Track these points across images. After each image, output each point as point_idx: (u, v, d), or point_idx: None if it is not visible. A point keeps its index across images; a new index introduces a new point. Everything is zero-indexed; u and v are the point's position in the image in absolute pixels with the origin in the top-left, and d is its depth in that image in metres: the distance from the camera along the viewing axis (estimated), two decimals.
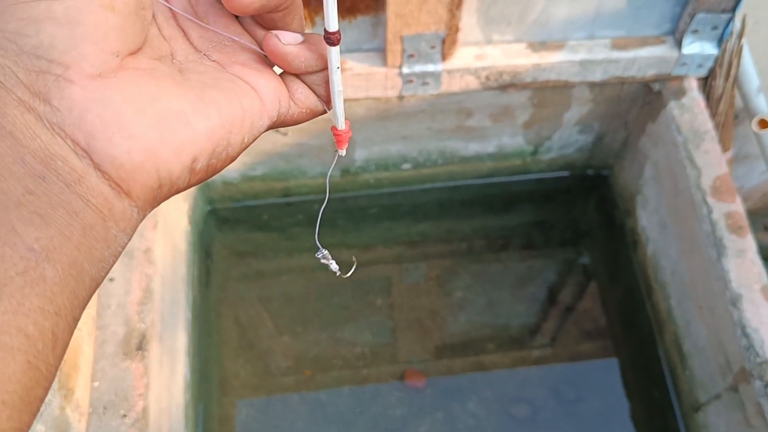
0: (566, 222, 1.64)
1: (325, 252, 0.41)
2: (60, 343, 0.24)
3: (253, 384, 1.49)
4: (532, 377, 1.54)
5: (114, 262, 0.28)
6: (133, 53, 0.28)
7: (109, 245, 0.26)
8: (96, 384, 1.06)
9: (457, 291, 1.59)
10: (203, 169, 0.29)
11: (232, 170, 1.45)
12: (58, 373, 0.96)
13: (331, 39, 0.31)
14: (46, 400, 0.92)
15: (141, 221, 0.29)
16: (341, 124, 0.36)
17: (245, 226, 1.59)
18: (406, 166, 1.49)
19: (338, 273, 0.42)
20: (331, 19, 0.30)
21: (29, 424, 0.23)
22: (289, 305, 1.58)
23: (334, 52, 0.32)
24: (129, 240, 0.28)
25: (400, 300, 1.58)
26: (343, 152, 0.37)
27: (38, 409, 0.24)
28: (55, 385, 0.95)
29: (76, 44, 0.25)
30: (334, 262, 0.42)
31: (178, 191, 0.30)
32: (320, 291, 1.59)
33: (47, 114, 0.25)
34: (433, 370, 1.52)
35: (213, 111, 0.29)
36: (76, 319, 0.25)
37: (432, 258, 1.62)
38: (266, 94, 0.32)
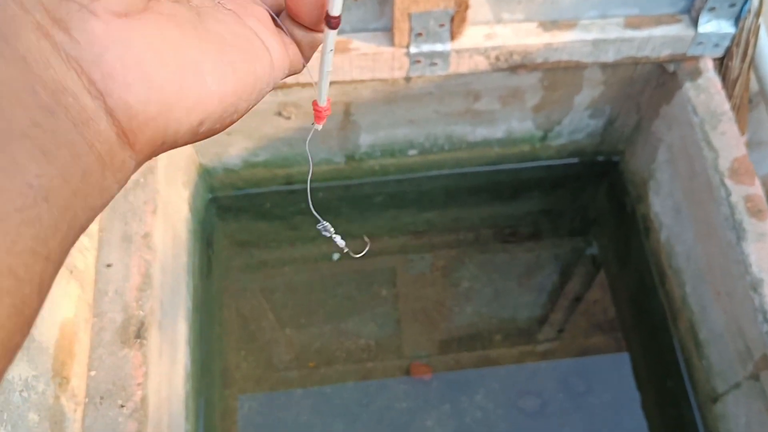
0: (575, 210, 1.61)
1: (326, 224, 0.39)
2: (45, 289, 0.23)
3: (255, 376, 1.46)
4: (540, 369, 1.50)
5: (100, 211, 0.26)
6: None
7: (102, 194, 0.25)
8: (93, 373, 1.02)
9: (463, 281, 1.55)
10: (205, 132, 0.28)
11: (234, 157, 1.41)
12: (50, 361, 0.92)
13: (332, 23, 0.31)
14: (39, 389, 0.89)
15: (135, 171, 0.28)
16: (323, 101, 0.36)
17: (247, 214, 1.55)
18: (412, 152, 1.45)
19: (345, 249, 0.40)
20: (337, 2, 0.30)
21: (3, 372, 0.22)
22: (293, 296, 1.54)
23: (331, 36, 0.31)
24: (119, 191, 0.27)
25: (406, 291, 1.54)
26: (319, 126, 0.37)
27: (14, 357, 0.22)
28: (48, 372, 0.91)
29: None
30: (339, 237, 0.40)
31: (169, 148, 0.29)
32: (324, 281, 1.55)
33: (65, 44, 0.23)
34: (440, 362, 1.48)
35: (230, 74, 0.28)
36: (61, 264, 0.24)
37: (438, 247, 1.58)
38: (278, 58, 0.31)
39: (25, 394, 0.85)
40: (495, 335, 1.51)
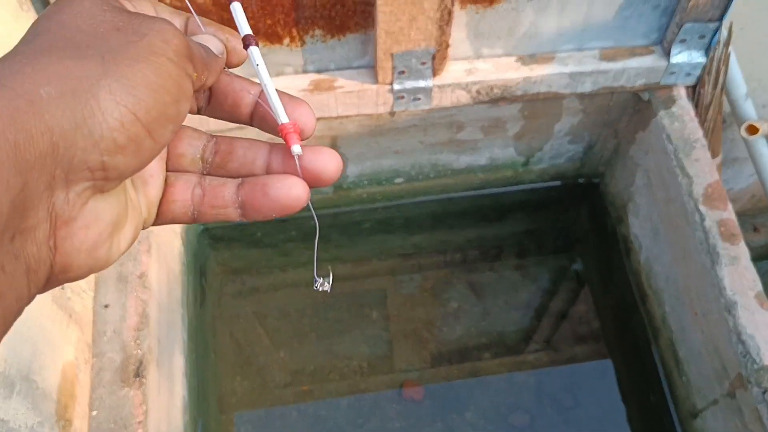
0: (558, 230, 1.65)
1: (321, 280, 0.40)
2: None
3: (250, 400, 1.49)
4: (529, 385, 1.54)
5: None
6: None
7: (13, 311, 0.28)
8: (94, 413, 1.05)
9: (452, 301, 1.59)
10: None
11: None
12: (54, 405, 0.95)
13: (247, 41, 0.36)
14: None
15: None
16: (283, 117, 0.35)
17: (239, 243, 1.59)
18: (398, 180, 1.49)
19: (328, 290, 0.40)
20: (242, 26, 0.36)
21: None
22: (285, 320, 1.58)
23: (254, 52, 0.36)
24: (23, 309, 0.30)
25: (396, 312, 1.58)
26: (299, 149, 0.34)
27: None
28: (53, 417, 0.94)
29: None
30: (329, 285, 0.40)
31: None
32: (315, 305, 1.59)
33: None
34: (431, 381, 1.52)
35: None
36: None
37: (426, 269, 1.62)
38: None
39: None
40: (484, 353, 1.55)
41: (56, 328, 0.99)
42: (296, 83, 1.22)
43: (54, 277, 0.29)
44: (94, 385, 1.07)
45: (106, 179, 0.28)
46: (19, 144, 0.24)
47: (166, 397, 1.17)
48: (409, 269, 1.62)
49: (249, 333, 1.55)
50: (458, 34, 1.19)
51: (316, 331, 1.57)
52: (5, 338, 0.32)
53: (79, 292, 1.08)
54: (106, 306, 1.12)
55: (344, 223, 1.58)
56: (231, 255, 1.59)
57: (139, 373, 1.08)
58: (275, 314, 1.58)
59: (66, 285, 1.04)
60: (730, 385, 1.16)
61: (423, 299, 1.61)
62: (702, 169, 1.23)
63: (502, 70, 1.24)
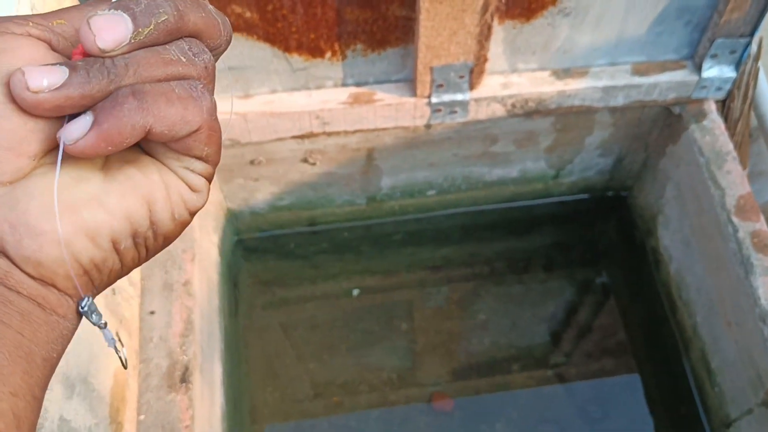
0: (586, 243, 1.67)
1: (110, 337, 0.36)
2: (24, 422, 0.25)
3: (282, 411, 1.50)
4: (558, 397, 1.55)
5: (66, 342, 0.28)
6: (54, 147, 0.27)
7: (54, 328, 0.27)
8: (142, 417, 1.07)
9: (480, 313, 1.61)
10: (131, 249, 0.29)
11: (261, 201, 1.47)
12: (107, 408, 0.97)
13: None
14: None
15: (88, 303, 0.29)
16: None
17: (271, 255, 1.61)
18: (431, 192, 1.52)
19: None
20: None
21: None
22: (315, 332, 1.59)
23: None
24: (77, 325, 0.29)
25: (425, 324, 1.60)
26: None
27: None
28: (106, 419, 0.96)
29: None
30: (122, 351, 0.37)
31: (117, 274, 0.30)
32: (345, 317, 1.61)
33: None
34: (460, 393, 1.53)
35: (129, 189, 0.28)
36: (37, 398, 0.26)
37: (455, 281, 1.64)
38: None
39: None
40: (513, 364, 1.56)
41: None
42: (336, 96, 1.25)
43: (42, 276, 0.27)
44: (141, 390, 1.08)
45: None
46: None
47: (207, 405, 1.19)
48: (438, 281, 1.64)
49: (279, 344, 1.57)
50: (495, 49, 1.22)
51: (346, 343, 1.58)
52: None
53: (128, 298, 1.11)
54: (152, 312, 1.15)
55: (376, 235, 1.60)
56: (263, 267, 1.61)
57: (185, 379, 1.10)
58: (305, 326, 1.60)
59: (117, 290, 1.06)
60: (765, 393, 1.18)
61: (451, 311, 1.62)
62: (734, 181, 1.25)
63: (536, 84, 1.27)
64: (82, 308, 0.32)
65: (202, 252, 1.27)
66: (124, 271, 0.30)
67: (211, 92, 0.30)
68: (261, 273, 1.61)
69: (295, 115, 1.24)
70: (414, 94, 1.24)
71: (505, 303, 1.63)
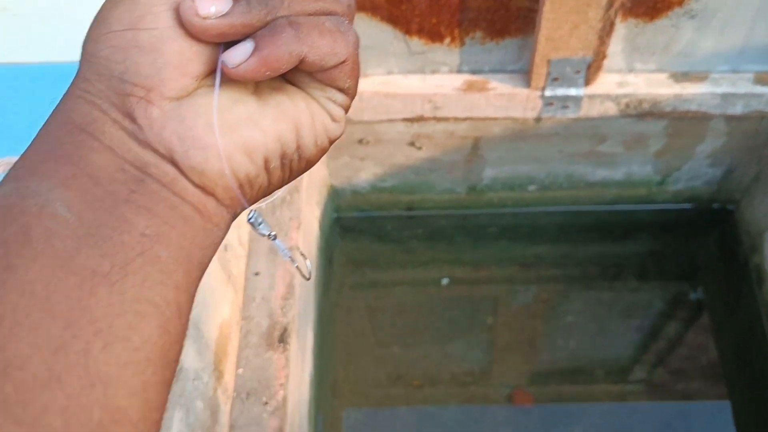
0: (685, 255, 1.63)
1: (283, 248, 0.38)
2: (183, 312, 0.28)
3: (362, 389, 1.53)
4: (640, 411, 1.52)
5: (215, 251, 0.31)
6: (213, 70, 0.30)
7: (208, 236, 0.30)
8: (240, 371, 1.12)
9: (567, 315, 1.60)
10: (278, 169, 0.32)
11: (363, 181, 1.51)
12: (212, 356, 1.02)
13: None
14: (204, 380, 0.98)
15: (234, 217, 0.32)
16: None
17: (367, 236, 1.64)
18: (531, 187, 1.52)
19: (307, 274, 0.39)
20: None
21: (171, 380, 0.28)
22: (401, 317, 1.62)
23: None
24: (225, 234, 0.32)
25: (511, 320, 1.60)
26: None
27: (175, 369, 0.28)
28: (210, 366, 1.01)
29: (157, 70, 0.28)
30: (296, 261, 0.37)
31: (263, 191, 0.32)
32: (432, 305, 1.62)
33: (134, 131, 0.28)
34: (541, 393, 1.52)
35: (280, 113, 0.31)
36: (192, 296, 0.30)
37: (545, 281, 1.63)
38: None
39: (195, 383, 0.95)
40: (597, 370, 1.54)
41: (218, 286, 1.06)
42: (450, 82, 1.27)
43: (204, 185, 0.29)
44: (241, 346, 1.13)
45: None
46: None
47: (299, 369, 1.23)
48: (528, 279, 1.63)
49: (365, 325, 1.60)
50: (615, 47, 1.22)
51: (430, 331, 1.60)
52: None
53: (237, 257, 1.16)
54: (257, 273, 1.19)
55: (471, 225, 1.61)
56: (357, 246, 1.64)
57: (283, 339, 1.14)
58: (392, 310, 1.62)
59: (228, 247, 1.11)
60: None
61: (538, 310, 1.62)
62: None
63: (653, 85, 1.25)
64: (249, 219, 0.35)
65: (306, 223, 1.32)
66: (270, 189, 0.33)
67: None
68: (355, 252, 1.65)
69: (408, 97, 1.27)
70: (528, 85, 1.25)
71: (593, 308, 1.61)
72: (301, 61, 0.29)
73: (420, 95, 1.26)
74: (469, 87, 1.26)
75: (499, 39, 1.23)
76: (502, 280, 1.64)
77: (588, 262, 1.64)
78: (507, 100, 1.27)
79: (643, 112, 1.28)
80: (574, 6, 1.11)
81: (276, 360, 1.12)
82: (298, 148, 0.32)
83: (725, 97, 1.25)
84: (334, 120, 0.33)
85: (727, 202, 1.56)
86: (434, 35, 1.22)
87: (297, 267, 0.39)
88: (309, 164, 0.34)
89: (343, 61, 0.30)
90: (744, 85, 1.25)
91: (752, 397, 1.46)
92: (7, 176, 0.28)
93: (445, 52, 1.25)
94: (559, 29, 1.15)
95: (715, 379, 1.52)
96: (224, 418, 1.06)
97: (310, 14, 0.30)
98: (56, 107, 0.30)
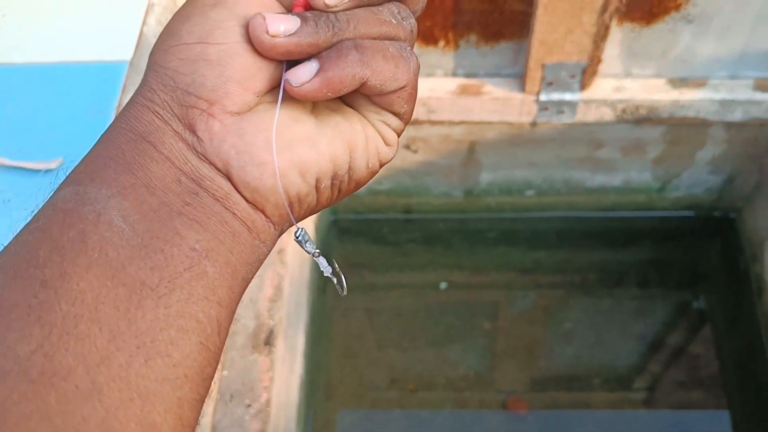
0: (685, 263, 1.61)
1: (325, 264, 0.38)
2: (223, 329, 0.28)
3: (356, 392, 1.53)
4: (638, 420, 1.50)
5: (258, 267, 0.31)
6: (274, 87, 0.30)
7: (254, 252, 0.30)
8: (225, 372, 1.12)
9: (566, 322, 1.58)
10: (328, 189, 0.32)
11: None
12: None
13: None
14: None
15: (279, 235, 0.32)
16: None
17: (364, 238, 1.64)
18: (529, 192, 1.51)
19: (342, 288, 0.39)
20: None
21: (204, 397, 0.28)
22: (398, 320, 1.61)
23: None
24: (269, 251, 0.32)
25: (508, 326, 1.58)
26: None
27: (210, 385, 0.28)
28: None
29: (222, 83, 0.28)
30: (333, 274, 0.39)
31: (311, 210, 0.33)
32: (429, 309, 1.61)
33: (194, 143, 0.29)
34: (536, 400, 1.51)
35: (336, 134, 0.31)
36: (233, 312, 0.29)
37: (544, 287, 1.62)
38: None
39: None
40: (594, 379, 1.52)
41: None
42: (444, 85, 1.26)
43: (256, 201, 0.29)
44: (227, 347, 1.13)
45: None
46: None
47: (287, 371, 1.22)
48: (526, 285, 1.62)
49: (362, 327, 1.60)
50: (611, 51, 1.20)
51: (427, 335, 1.59)
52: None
53: None
54: None
55: (469, 230, 1.60)
56: (354, 249, 1.64)
57: (269, 342, 1.14)
58: (389, 313, 1.62)
59: None
60: None
61: (536, 317, 1.60)
62: None
63: (650, 90, 1.24)
64: (296, 237, 0.35)
65: (303, 225, 1.31)
66: (317, 207, 0.33)
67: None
68: (352, 255, 1.64)
69: None
70: (522, 90, 1.24)
71: (592, 316, 1.59)
72: (363, 85, 0.30)
73: None
74: (463, 90, 1.25)
75: (493, 42, 1.22)
76: (500, 285, 1.63)
77: (588, 269, 1.62)
78: (501, 105, 1.25)
79: (640, 118, 1.26)
80: (568, 10, 1.09)
81: (261, 362, 1.12)
82: (350, 169, 0.32)
83: (724, 103, 1.23)
84: (387, 144, 0.33)
85: (729, 211, 1.54)
86: (428, 38, 1.21)
87: (336, 283, 0.39)
88: (358, 186, 0.34)
89: (403, 87, 0.31)
90: (743, 92, 1.23)
91: (752, 408, 1.43)
92: (67, 178, 0.29)
93: (440, 56, 1.24)
94: (553, 33, 1.13)
95: (714, 391, 1.49)
96: (206, 420, 1.06)
97: (374, 38, 0.30)
98: (120, 114, 0.30)
